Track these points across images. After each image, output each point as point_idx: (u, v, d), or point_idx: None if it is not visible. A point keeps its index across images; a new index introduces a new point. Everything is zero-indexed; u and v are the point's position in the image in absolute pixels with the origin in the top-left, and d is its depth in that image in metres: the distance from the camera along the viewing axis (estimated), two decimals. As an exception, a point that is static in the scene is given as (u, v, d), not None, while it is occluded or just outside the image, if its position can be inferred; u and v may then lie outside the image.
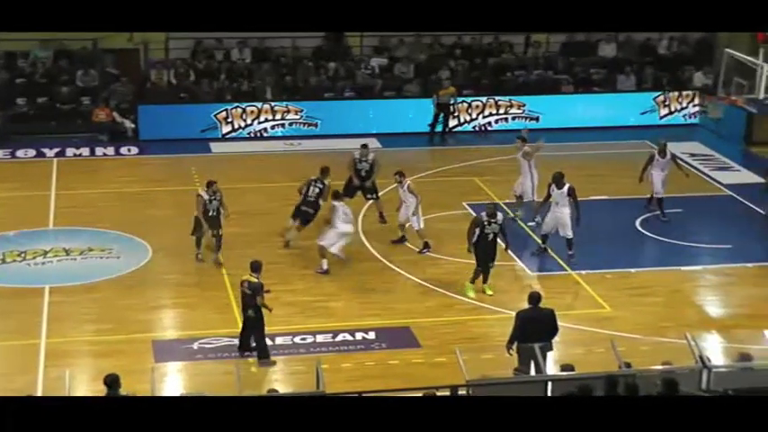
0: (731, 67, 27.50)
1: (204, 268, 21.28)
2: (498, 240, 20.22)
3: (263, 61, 32.18)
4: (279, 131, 30.33)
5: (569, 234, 21.36)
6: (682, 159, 23.63)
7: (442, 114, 30.36)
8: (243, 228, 23.23)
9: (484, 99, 31.38)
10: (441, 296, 20.28)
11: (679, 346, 16.13)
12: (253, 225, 23.44)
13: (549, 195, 21.54)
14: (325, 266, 21.04)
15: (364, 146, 24.15)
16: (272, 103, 30.39)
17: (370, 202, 23.86)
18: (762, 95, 24.55)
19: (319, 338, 18.51)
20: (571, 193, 21.22)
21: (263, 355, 17.55)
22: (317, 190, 21.89)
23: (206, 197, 21.30)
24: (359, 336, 18.58)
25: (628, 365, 14.56)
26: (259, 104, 30.32)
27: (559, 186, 21.26)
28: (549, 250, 21.81)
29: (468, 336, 18.68)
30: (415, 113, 30.54)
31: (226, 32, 29.03)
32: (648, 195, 24.08)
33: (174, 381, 17.34)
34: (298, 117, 30.44)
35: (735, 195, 25.85)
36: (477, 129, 31.29)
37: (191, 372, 17.59)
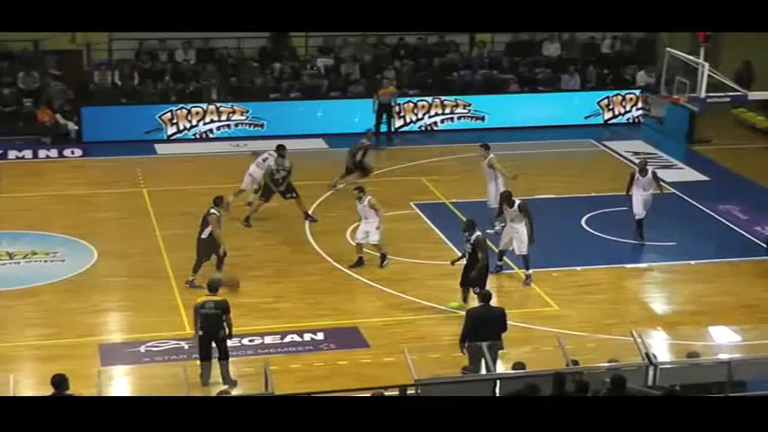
0: (673, 66, 27.86)
1: (149, 270, 21.14)
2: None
3: (208, 62, 32.03)
4: (225, 132, 30.20)
5: (524, 251, 20.75)
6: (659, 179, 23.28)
7: (385, 114, 30.36)
8: (190, 229, 23.04)
9: (430, 99, 31.46)
10: (388, 296, 20.29)
11: (625, 342, 16.29)
12: (198, 227, 23.28)
13: (501, 212, 21.26)
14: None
15: (281, 147, 23.73)
16: (218, 104, 30.25)
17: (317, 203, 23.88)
18: (703, 94, 24.79)
19: (267, 340, 18.44)
20: (522, 209, 20.75)
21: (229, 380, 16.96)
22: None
23: (218, 214, 20.57)
24: (307, 337, 18.53)
25: (575, 363, 14.66)
26: (204, 105, 30.16)
27: (510, 205, 20.85)
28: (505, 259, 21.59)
29: (417, 335, 18.70)
30: (362, 114, 30.49)
31: (169, 33, 28.89)
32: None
33: (121, 384, 17.20)
34: (243, 118, 30.33)
35: (678, 193, 26.10)
36: (423, 128, 31.37)
37: (138, 375, 17.44)
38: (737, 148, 30.27)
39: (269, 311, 19.59)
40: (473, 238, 19.11)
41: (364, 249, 21.47)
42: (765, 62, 32.57)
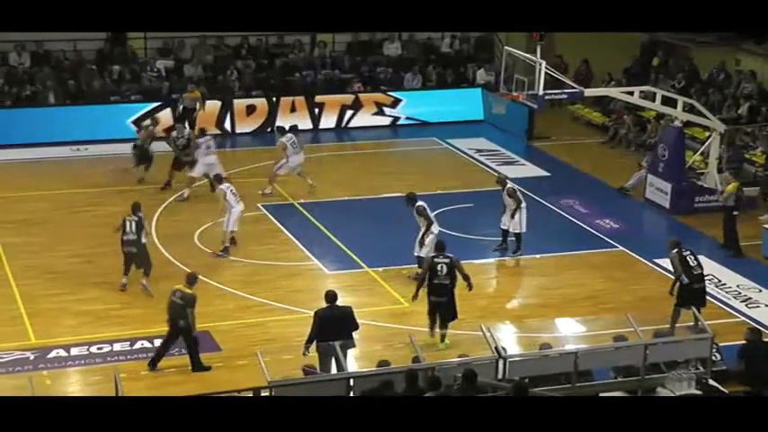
0: (511, 63, 28.38)
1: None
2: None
3: (44, 65, 31.24)
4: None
5: (518, 229, 21.95)
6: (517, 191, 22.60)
7: (186, 119, 29.04)
8: (28, 237, 22.59)
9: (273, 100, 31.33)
10: (238, 298, 20.15)
11: (475, 337, 16.53)
12: (38, 234, 22.80)
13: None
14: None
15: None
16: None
17: (163, 207, 23.97)
18: (541, 92, 25.30)
19: (116, 347, 18.11)
20: (511, 194, 21.91)
21: (200, 368, 17.33)
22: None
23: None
24: (157, 342, 18.16)
25: (423, 359, 14.80)
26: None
27: (503, 189, 22.01)
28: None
29: (268, 337, 18.61)
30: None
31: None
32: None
33: (-37, 398, 16.63)
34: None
35: (521, 189, 26.44)
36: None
37: (-19, 388, 16.90)
38: (575, 143, 31.07)
39: (117, 318, 19.22)
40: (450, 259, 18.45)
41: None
42: (602, 61, 33.57)
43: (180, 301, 17.18)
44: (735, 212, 22.88)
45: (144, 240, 20.23)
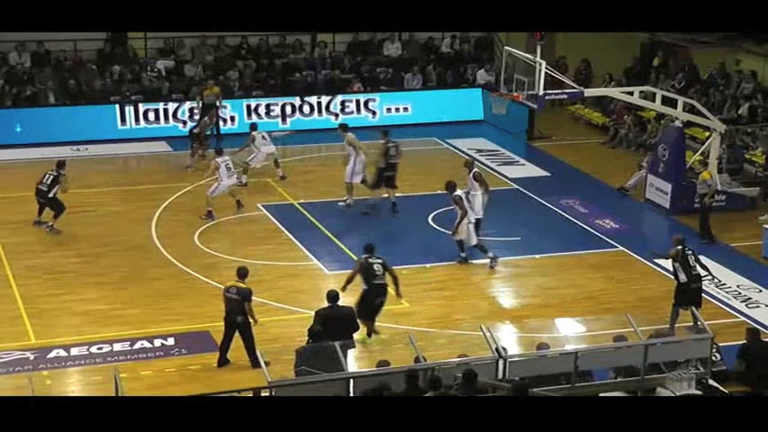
0: (511, 64, 28.43)
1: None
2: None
3: (44, 65, 31.24)
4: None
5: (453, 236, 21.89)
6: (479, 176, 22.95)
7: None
8: (29, 237, 22.58)
9: (275, 100, 31.28)
10: (239, 298, 20.13)
11: (475, 337, 16.51)
12: (38, 234, 22.78)
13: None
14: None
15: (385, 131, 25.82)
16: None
17: (163, 207, 23.67)
18: (541, 92, 25.30)
19: (116, 347, 18.09)
20: (457, 201, 21.78)
21: (257, 364, 17.03)
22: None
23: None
24: (158, 342, 18.25)
25: (423, 359, 14.80)
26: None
27: (451, 193, 21.85)
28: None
29: (268, 337, 18.52)
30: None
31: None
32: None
33: (-37, 398, 16.63)
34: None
35: (521, 189, 26.64)
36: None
37: (-19, 388, 16.90)
38: (575, 143, 31.08)
39: (117, 318, 19.21)
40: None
41: None
42: (602, 61, 33.58)
43: (236, 297, 17.24)
44: (706, 199, 23.44)
45: (51, 194, 22.43)
